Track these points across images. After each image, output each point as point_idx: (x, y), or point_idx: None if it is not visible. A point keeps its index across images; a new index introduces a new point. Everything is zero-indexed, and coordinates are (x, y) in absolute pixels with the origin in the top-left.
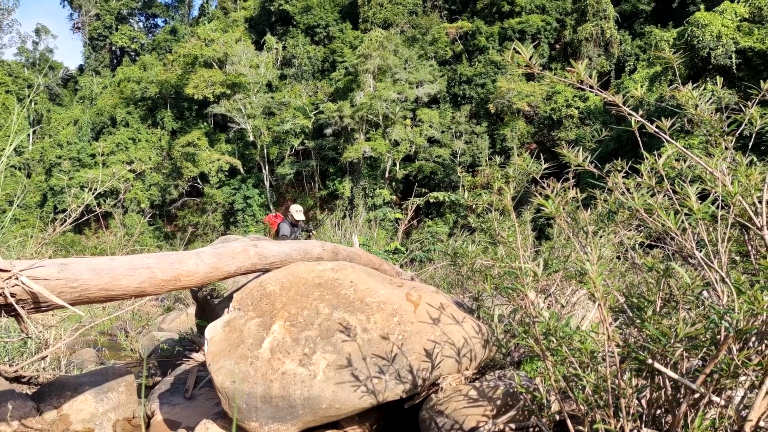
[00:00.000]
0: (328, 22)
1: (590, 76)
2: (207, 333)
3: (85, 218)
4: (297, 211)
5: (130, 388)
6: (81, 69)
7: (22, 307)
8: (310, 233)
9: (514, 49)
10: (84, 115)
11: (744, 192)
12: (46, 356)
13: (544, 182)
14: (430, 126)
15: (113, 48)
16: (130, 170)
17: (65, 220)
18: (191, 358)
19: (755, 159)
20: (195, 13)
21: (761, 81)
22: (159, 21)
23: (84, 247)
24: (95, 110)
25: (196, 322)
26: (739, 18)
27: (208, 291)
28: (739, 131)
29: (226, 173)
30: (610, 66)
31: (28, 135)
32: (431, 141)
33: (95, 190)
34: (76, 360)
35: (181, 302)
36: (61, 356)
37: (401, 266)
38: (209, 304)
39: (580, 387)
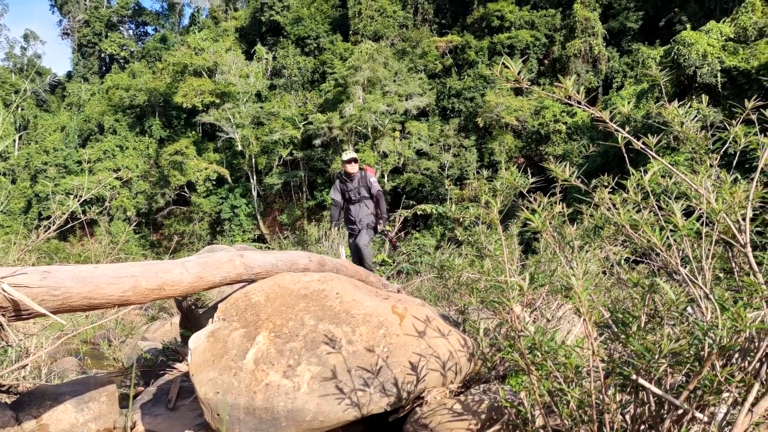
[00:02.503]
0: (319, 34)
1: (578, 92)
2: (191, 343)
3: (69, 225)
4: (345, 155)
5: (111, 398)
6: (69, 75)
7: (3, 314)
8: (381, 226)
9: (503, 63)
10: (71, 121)
11: (728, 209)
12: (27, 365)
13: (531, 196)
14: (419, 138)
15: (102, 55)
16: (116, 178)
17: (49, 227)
18: (174, 369)
19: (739, 177)
20: (185, 22)
21: (746, 100)
22: (149, 29)
23: (68, 254)
24: (83, 117)
25: (180, 332)
26: (724, 38)
27: (193, 301)
28: (723, 149)
29: (214, 182)
30: (598, 82)
31: (14, 140)
32: (420, 153)
33: (81, 197)
34: (57, 369)
35: (165, 312)
36: (41, 365)
37: (388, 278)
38: (194, 314)
39: (564, 402)
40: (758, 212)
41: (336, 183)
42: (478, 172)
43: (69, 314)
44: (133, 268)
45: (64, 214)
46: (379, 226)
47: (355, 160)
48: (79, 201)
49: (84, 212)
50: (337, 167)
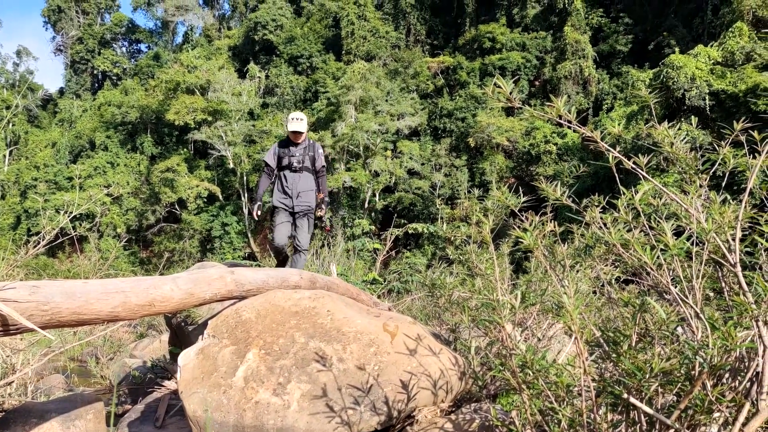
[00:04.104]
0: (312, 53)
1: (569, 113)
2: (180, 360)
3: (59, 241)
4: (292, 120)
5: (98, 416)
6: (61, 91)
7: None
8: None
9: (495, 83)
10: (62, 137)
11: (718, 229)
12: (13, 381)
13: (522, 216)
14: (411, 158)
15: (95, 72)
16: (107, 194)
17: (38, 243)
18: (163, 386)
19: (728, 197)
20: (179, 39)
21: (734, 122)
22: (142, 46)
23: (57, 270)
24: (74, 133)
25: (170, 349)
26: (712, 61)
27: (183, 317)
28: (712, 170)
29: (205, 200)
30: (588, 104)
31: (4, 156)
32: (411, 173)
33: (70, 213)
34: (43, 386)
35: (154, 329)
36: (28, 382)
37: (379, 297)
38: (183, 331)
39: (555, 421)
40: (747, 233)
41: (274, 146)
42: (469, 192)
43: (57, 330)
44: (123, 284)
45: (53, 230)
46: (319, 211)
47: (301, 133)
48: (68, 217)
49: (74, 228)
50: (329, 186)
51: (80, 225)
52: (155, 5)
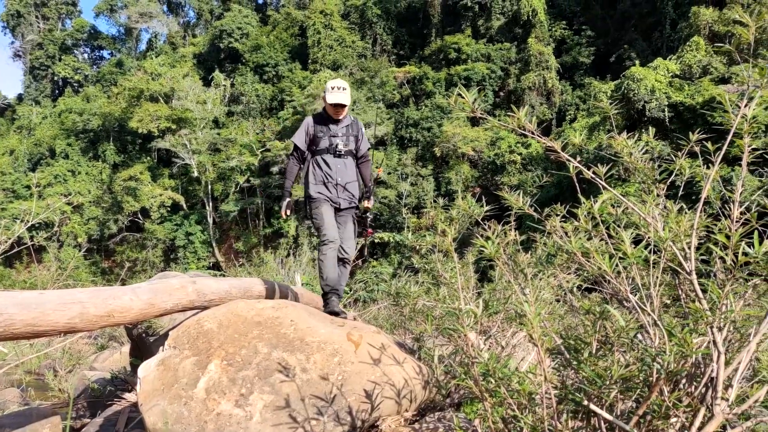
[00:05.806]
0: (278, 62)
1: (531, 123)
2: (140, 372)
3: (15, 251)
4: (333, 89)
5: (55, 430)
6: (20, 98)
7: None
8: (369, 193)
9: (459, 93)
10: (21, 145)
11: (674, 238)
12: None
13: (486, 225)
14: (377, 167)
15: (55, 78)
16: (66, 203)
17: None
18: (123, 398)
19: (684, 207)
20: (142, 47)
21: (690, 133)
22: (105, 53)
23: (14, 281)
24: (33, 141)
25: (130, 361)
26: (670, 74)
27: (144, 328)
28: (670, 180)
29: (169, 209)
30: (552, 114)
31: None
32: (377, 182)
33: (28, 221)
34: None
35: (115, 340)
36: None
37: (345, 306)
38: (144, 342)
39: (518, 429)
40: (703, 241)
41: (307, 121)
42: (435, 201)
43: (13, 342)
44: (81, 294)
45: (9, 239)
46: (367, 202)
47: (344, 106)
48: (26, 226)
49: (31, 238)
50: (295, 195)
51: (38, 234)
52: (118, 12)
